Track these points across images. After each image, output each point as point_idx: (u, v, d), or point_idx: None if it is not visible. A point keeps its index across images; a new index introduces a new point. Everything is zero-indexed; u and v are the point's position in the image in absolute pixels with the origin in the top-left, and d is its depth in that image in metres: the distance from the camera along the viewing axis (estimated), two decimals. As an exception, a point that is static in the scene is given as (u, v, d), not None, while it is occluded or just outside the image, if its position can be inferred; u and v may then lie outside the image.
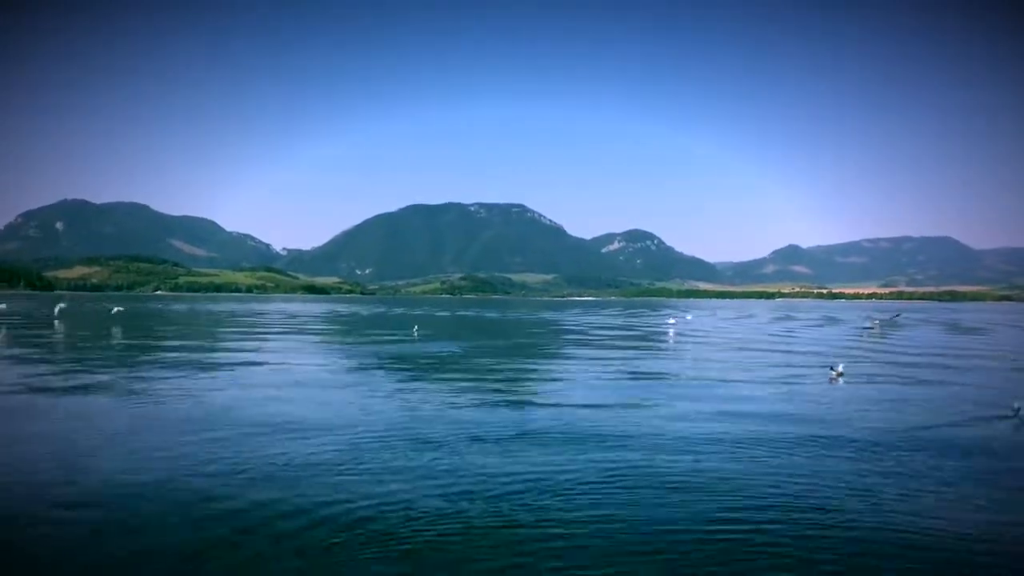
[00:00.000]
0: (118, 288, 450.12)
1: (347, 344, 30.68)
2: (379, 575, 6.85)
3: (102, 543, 7.50)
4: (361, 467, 10.24)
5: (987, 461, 11.52)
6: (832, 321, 68.88)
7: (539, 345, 32.80)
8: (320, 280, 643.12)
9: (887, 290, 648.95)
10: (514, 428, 13.00)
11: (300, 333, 39.11)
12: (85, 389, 17.76)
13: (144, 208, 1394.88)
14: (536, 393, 17.63)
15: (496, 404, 15.57)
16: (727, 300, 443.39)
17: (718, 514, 8.54)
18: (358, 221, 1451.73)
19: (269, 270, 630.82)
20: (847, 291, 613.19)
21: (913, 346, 36.90)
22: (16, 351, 28.45)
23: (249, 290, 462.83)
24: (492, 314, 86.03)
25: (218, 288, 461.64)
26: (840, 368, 23.50)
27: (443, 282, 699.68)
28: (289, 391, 17.53)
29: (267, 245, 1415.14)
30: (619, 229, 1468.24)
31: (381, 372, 21.75)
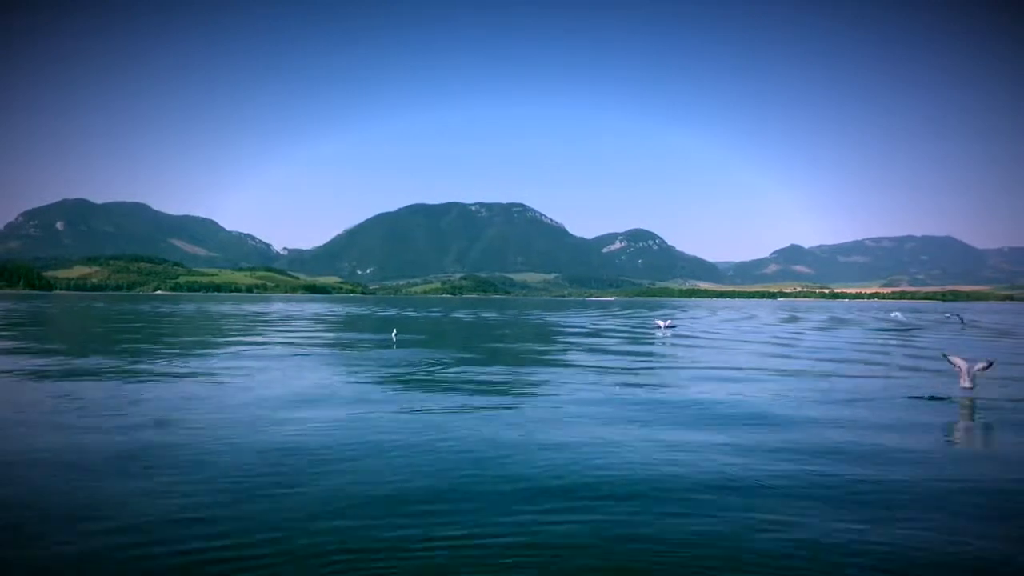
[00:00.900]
0: (118, 288, 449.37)
1: (301, 352, 27.86)
2: None
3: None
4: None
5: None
6: (841, 323, 66.55)
7: (516, 352, 30.81)
8: (321, 280, 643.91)
9: (889, 290, 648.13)
10: (459, 447, 10.75)
11: (255, 336, 36.74)
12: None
13: (144, 208, 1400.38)
14: (495, 408, 15.28)
15: (447, 421, 13.28)
16: (728, 300, 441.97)
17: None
18: (359, 221, 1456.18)
19: (269, 270, 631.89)
20: (849, 291, 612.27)
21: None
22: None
23: (249, 290, 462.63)
24: (487, 314, 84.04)
25: (218, 288, 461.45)
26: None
27: (444, 282, 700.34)
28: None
29: (267, 245, 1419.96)
30: (620, 229, 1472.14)
31: (328, 383, 19.15)
